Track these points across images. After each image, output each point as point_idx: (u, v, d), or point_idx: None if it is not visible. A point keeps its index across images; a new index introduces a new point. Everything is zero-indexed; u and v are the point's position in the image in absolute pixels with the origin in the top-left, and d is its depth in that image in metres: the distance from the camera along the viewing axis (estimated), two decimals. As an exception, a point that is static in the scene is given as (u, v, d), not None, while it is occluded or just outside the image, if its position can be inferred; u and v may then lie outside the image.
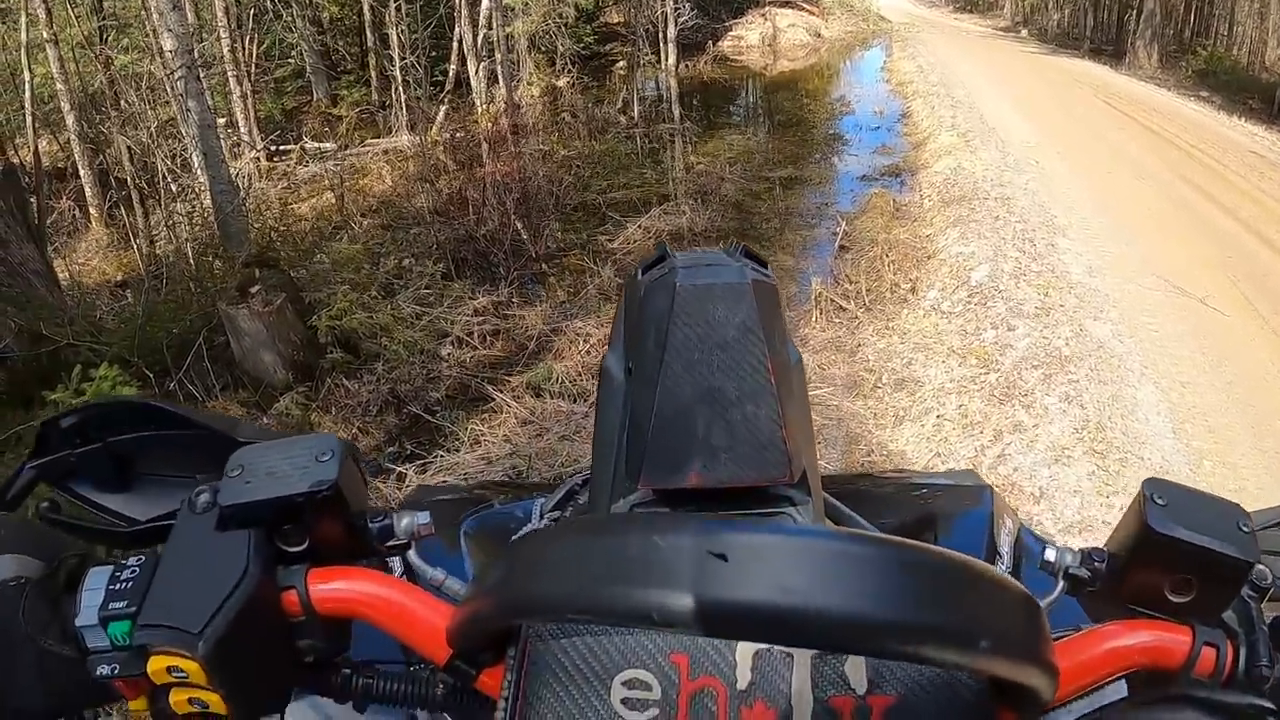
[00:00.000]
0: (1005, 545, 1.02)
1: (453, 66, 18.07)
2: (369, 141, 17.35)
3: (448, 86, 17.90)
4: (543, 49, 21.72)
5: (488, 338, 8.43)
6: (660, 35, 24.74)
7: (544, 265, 10.16)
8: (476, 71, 18.36)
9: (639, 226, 10.58)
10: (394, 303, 8.84)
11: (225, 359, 8.03)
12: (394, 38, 16.96)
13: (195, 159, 10.99)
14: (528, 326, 8.50)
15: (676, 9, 24.49)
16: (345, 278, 8.97)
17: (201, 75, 14.96)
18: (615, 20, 28.28)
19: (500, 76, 17.88)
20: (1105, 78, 23.48)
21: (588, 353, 7.80)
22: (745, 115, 19.60)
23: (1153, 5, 27.55)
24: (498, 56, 17.99)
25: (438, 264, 9.88)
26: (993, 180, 11.96)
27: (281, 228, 12.07)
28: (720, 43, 28.22)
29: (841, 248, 10.22)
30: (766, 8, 29.93)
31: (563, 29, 21.66)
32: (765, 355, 0.73)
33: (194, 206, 11.60)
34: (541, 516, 1.04)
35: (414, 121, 17.30)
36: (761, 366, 0.73)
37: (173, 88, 11.05)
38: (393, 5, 17.64)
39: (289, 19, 20.67)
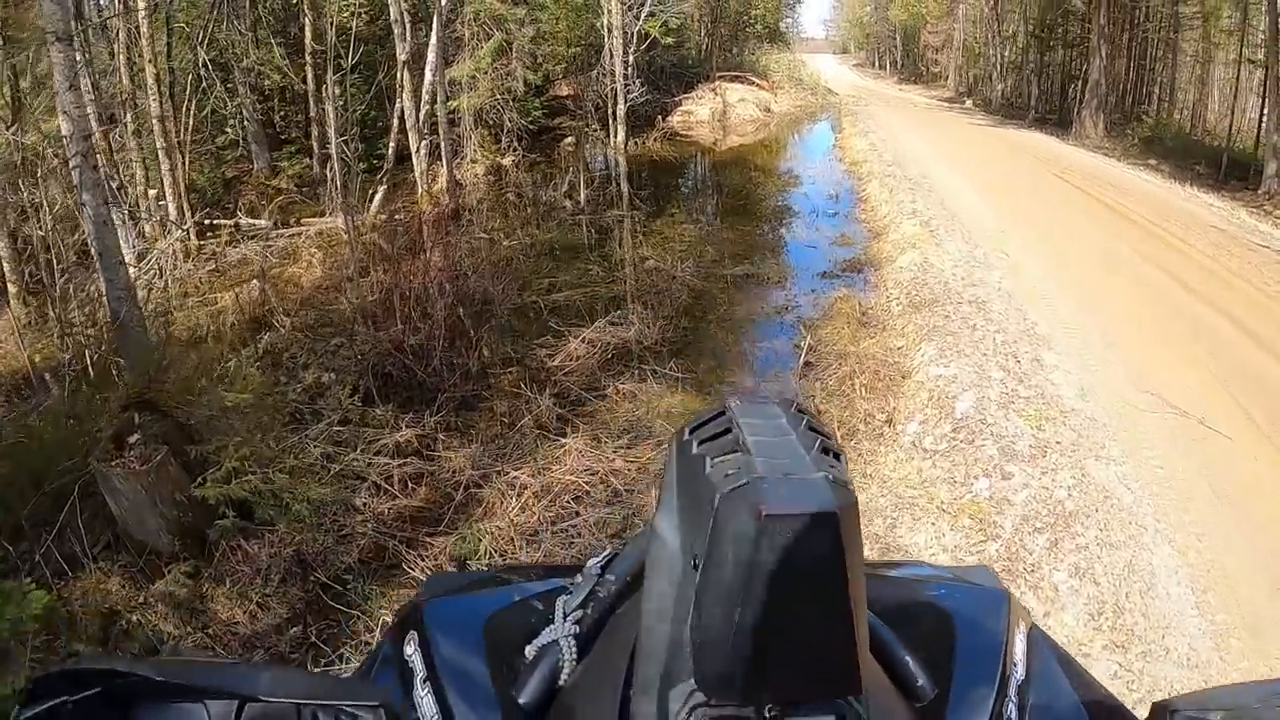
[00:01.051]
0: (1019, 652, 1.00)
1: (392, 142, 16.86)
2: (305, 220, 16.06)
3: (387, 164, 16.68)
4: (489, 123, 20.66)
5: (410, 483, 7.12)
6: (609, 111, 23.82)
7: (477, 386, 8.91)
8: (418, 149, 17.22)
9: (583, 340, 9.38)
10: (303, 440, 7.53)
11: (106, 515, 6.66)
12: (329, 111, 15.76)
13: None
14: (455, 470, 7.20)
15: (626, 85, 23.60)
16: (248, 411, 7.64)
17: (109, 158, 13.92)
18: (565, 94, 27.38)
19: (443, 154, 16.71)
20: (1055, 150, 22.93)
21: (522, 511, 6.54)
22: (696, 198, 18.57)
23: (1097, 76, 27.36)
24: (441, 133, 16.84)
25: (359, 381, 8.63)
26: (963, 278, 10.94)
27: (191, 333, 10.78)
28: (670, 118, 27.40)
29: (806, 364, 9.08)
30: (716, 82, 29.19)
31: (510, 104, 20.62)
32: (847, 582, 0.68)
33: (90, 313, 10.21)
34: (565, 617, 0.98)
35: (349, 202, 16.09)
36: (842, 593, 0.68)
37: (69, 176, 9.74)
38: (330, 77, 16.46)
39: (229, 85, 19.48)
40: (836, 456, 0.73)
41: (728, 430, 0.75)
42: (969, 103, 38.13)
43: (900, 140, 22.84)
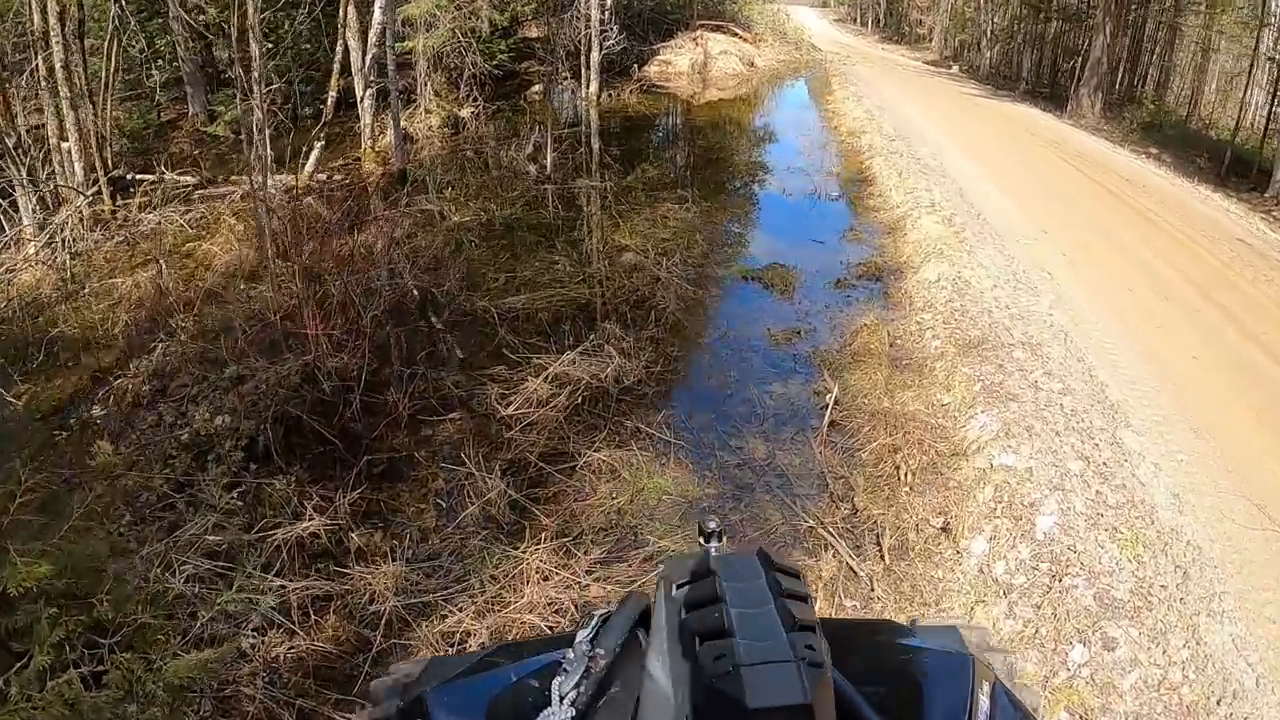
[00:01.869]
0: (983, 712, 1.04)
1: (333, 90, 14.35)
2: (235, 179, 13.55)
3: (326, 114, 14.20)
4: (449, 68, 18.12)
5: (314, 612, 5.03)
6: (582, 59, 21.34)
7: (408, 438, 6.79)
8: (363, 97, 14.74)
9: (546, 379, 7.22)
10: (174, 546, 5.42)
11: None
12: (253, 50, 13.24)
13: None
14: (374, 594, 5.12)
15: (603, 30, 21.10)
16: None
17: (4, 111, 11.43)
18: (534, 36, 24.74)
19: (392, 104, 14.26)
20: (1057, 130, 21.01)
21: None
22: (679, 167, 16.27)
23: (1099, 54, 25.44)
24: (389, 79, 14.35)
25: (260, 428, 6.53)
26: (1007, 306, 8.99)
27: (80, 334, 8.62)
28: (647, 67, 24.92)
29: (831, 423, 7.05)
30: (698, 32, 26.67)
31: (473, 46, 18.07)
32: None
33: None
34: (562, 699, 1.01)
35: (260, 167, 13.66)
36: None
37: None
38: (251, 8, 13.90)
39: (160, 19, 16.74)
40: (813, 629, 0.79)
41: (714, 597, 0.81)
42: (955, 69, 35.93)
43: (897, 109, 20.68)
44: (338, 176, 14.23)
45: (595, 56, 21.01)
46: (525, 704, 1.04)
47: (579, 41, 21.21)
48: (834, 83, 25.54)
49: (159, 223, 12.03)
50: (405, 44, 17.37)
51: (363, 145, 14.77)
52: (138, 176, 13.86)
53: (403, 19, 17.16)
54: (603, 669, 1.02)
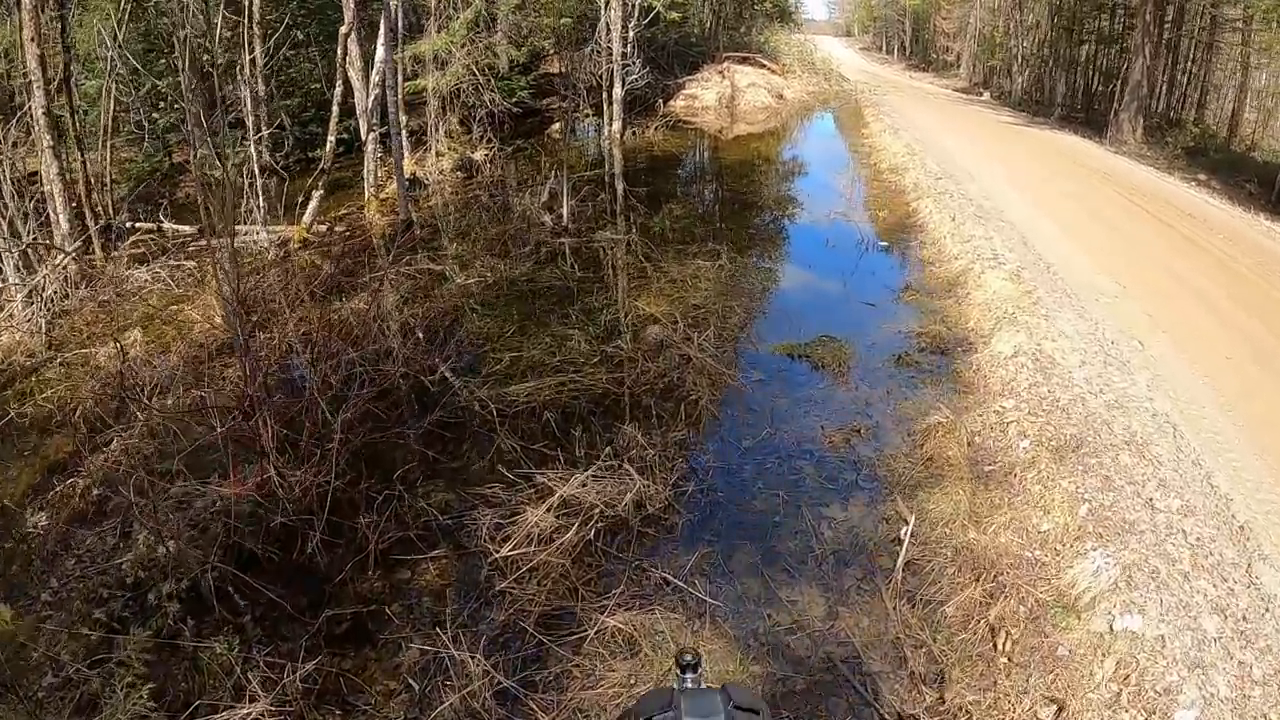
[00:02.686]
0: None
1: (331, 135, 13.05)
2: (237, 228, 12.29)
3: (324, 161, 12.90)
4: (467, 105, 16.82)
5: None
6: (604, 94, 20.02)
7: (378, 585, 5.38)
8: (366, 141, 13.44)
9: (550, 508, 5.76)
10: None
11: None
12: (245, 95, 11.96)
13: None
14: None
15: (625, 64, 19.78)
16: None
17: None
18: (555, 71, 23.51)
19: (393, 150, 12.95)
20: (1103, 159, 19.51)
21: None
22: (708, 214, 14.73)
23: (1139, 76, 23.95)
24: (391, 123, 13.05)
25: (203, 569, 5.17)
26: (1100, 389, 7.47)
27: (43, 417, 7.36)
28: (672, 102, 23.59)
29: (907, 564, 5.54)
30: (724, 64, 25.33)
31: (490, 83, 16.77)
32: None
33: None
34: None
35: (272, 211, 12.40)
36: None
37: None
38: (247, 55, 12.63)
39: (165, 61, 15.53)
40: None
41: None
42: (986, 95, 34.44)
43: (937, 141, 19.19)
44: (339, 228, 12.93)
45: (618, 91, 19.71)
46: None
47: (600, 76, 19.91)
48: (867, 114, 24.13)
49: (144, 282, 10.80)
50: (416, 83, 16.10)
51: (366, 193, 13.45)
52: (135, 225, 12.68)
53: (412, 55, 15.91)
54: None
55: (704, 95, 24.40)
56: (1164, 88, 26.37)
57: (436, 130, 15.81)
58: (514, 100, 18.82)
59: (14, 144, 11.39)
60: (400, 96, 15.13)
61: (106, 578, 5.54)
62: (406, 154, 15.53)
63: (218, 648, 4.85)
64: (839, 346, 8.70)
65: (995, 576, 5.35)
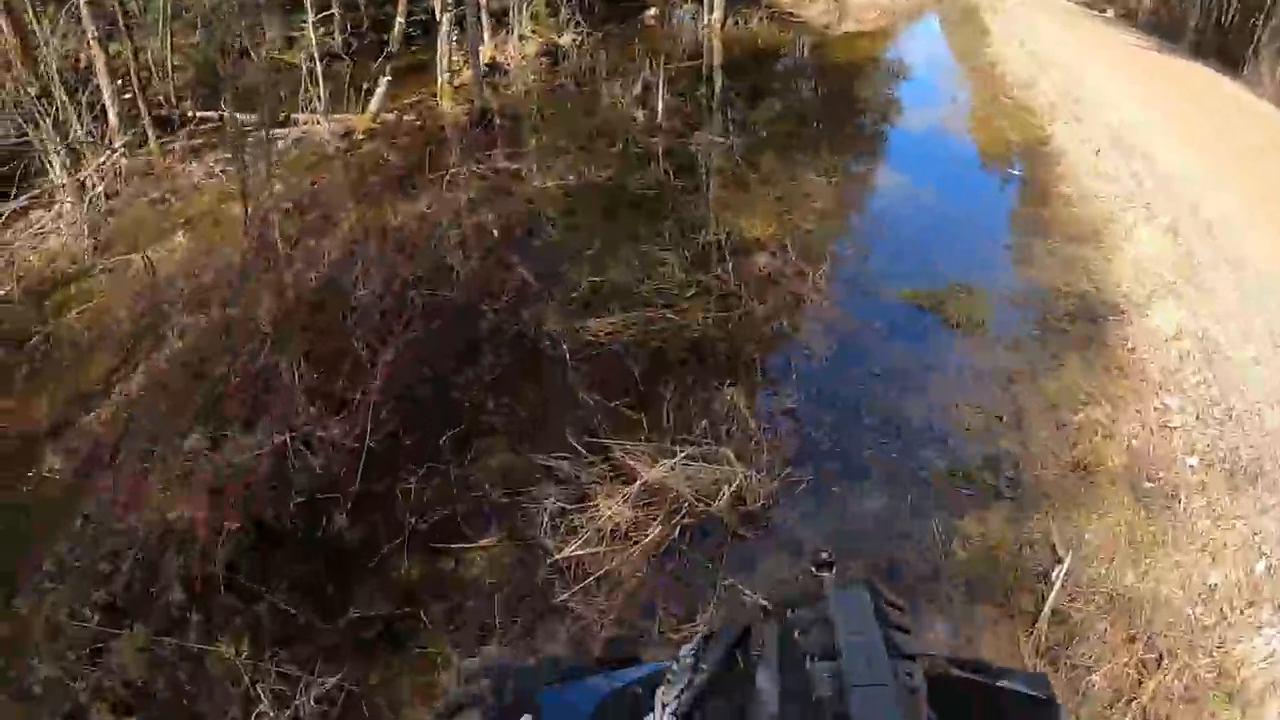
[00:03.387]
0: None
1: (400, 14, 11.54)
2: (298, 115, 11.01)
3: (393, 43, 11.46)
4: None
5: None
6: (707, -23, 18.05)
7: (417, 573, 4.27)
8: (440, 21, 11.90)
9: (627, 498, 4.47)
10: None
11: None
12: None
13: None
14: None
15: (730, -55, 17.76)
16: None
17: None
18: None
19: (469, 30, 11.41)
20: (1242, 100, 16.98)
21: None
22: (818, 121, 12.69)
23: None
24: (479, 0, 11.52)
25: (217, 539, 4.19)
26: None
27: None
28: (777, -8, 21.43)
29: (1054, 612, 4.27)
30: (835, -47, 22.95)
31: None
32: None
33: None
34: (664, 708, 0.95)
35: (340, 98, 11.05)
36: None
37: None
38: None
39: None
40: (913, 659, 0.79)
41: (825, 621, 0.81)
42: (1110, 11, 31.30)
43: (1066, 59, 16.94)
44: (409, 117, 11.52)
45: (721, -25, 17.73)
46: (630, 708, 1.01)
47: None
48: (987, 19, 21.72)
49: (199, 179, 9.65)
50: None
51: (439, 80, 11.97)
52: (199, 115, 11.41)
53: None
54: (704, 681, 0.96)
55: (811, -13, 22.18)
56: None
57: (520, 10, 14.13)
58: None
59: (63, 35, 10.26)
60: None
61: (116, 541, 4.51)
62: (486, 36, 13.99)
63: (223, 648, 3.81)
64: (973, 299, 7.20)
65: (1151, 639, 4.06)
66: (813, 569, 1.03)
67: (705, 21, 17.81)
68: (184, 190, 9.30)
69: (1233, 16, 26.22)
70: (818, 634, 0.81)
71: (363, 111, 11.03)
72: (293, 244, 6.76)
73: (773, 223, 8.09)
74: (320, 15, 15.36)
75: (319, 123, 10.63)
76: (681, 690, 0.96)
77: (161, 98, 11.45)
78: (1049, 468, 5.52)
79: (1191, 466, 5.59)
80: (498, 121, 11.40)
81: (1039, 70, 15.44)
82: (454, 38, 12.83)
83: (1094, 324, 7.18)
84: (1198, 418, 6.01)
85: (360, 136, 10.85)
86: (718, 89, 13.48)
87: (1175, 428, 5.97)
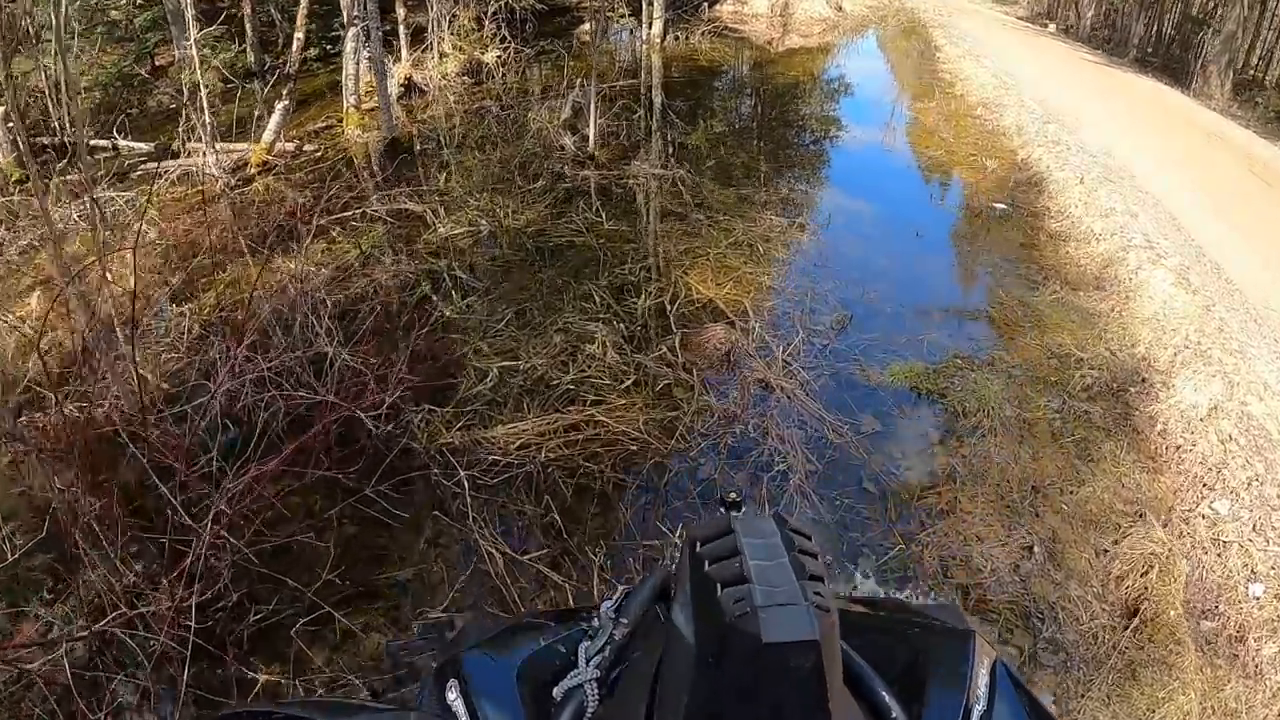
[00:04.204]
0: (983, 686, 1.02)
1: (299, 29, 9.82)
2: (191, 144, 9.23)
3: (288, 63, 9.73)
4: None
5: None
6: (645, -9, 16.55)
7: None
8: (346, 38, 10.20)
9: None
10: None
11: None
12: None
13: None
14: None
15: (669, -44, 16.29)
16: None
17: None
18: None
19: (372, 50, 9.71)
20: (1204, 117, 16.02)
21: None
22: (770, 147, 10.97)
23: (1234, 26, 20.46)
24: (370, 13, 9.83)
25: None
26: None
27: None
28: (719, 5, 19.99)
29: None
30: (779, -34, 21.63)
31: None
32: (827, 689, 0.75)
33: None
34: (588, 661, 1.01)
35: (247, 124, 9.35)
36: (823, 699, 0.75)
37: None
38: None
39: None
40: (821, 579, 0.79)
41: (733, 552, 0.80)
42: (1051, 27, 30.59)
43: (1024, 75, 15.72)
44: (310, 147, 9.80)
45: (661, -11, 16.23)
46: (553, 666, 1.04)
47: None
48: (936, 36, 20.55)
49: (72, 222, 7.86)
50: None
51: (345, 105, 10.26)
52: (91, 143, 9.65)
53: None
54: (625, 636, 1.02)
55: (755, 1, 20.76)
56: (1246, 42, 22.88)
57: (440, 25, 12.45)
58: (540, -2, 15.43)
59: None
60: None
61: None
62: (405, 52, 12.30)
63: None
64: (979, 375, 5.69)
65: None
66: (721, 509, 1.08)
67: (644, 37, 16.29)
68: (58, 235, 7.52)
69: (1173, 30, 25.61)
70: (727, 564, 0.79)
71: (251, 143, 9.31)
72: (132, 324, 5.07)
73: (728, 277, 6.51)
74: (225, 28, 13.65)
75: (205, 154, 8.88)
76: (604, 644, 1.02)
77: (56, 124, 9.69)
78: (1097, 616, 4.05)
79: (1256, 598, 4.19)
80: (417, 148, 9.76)
81: (1000, 88, 14.17)
82: (365, 55, 11.17)
83: (1117, 401, 5.75)
84: (1254, 529, 4.61)
85: (254, 170, 9.13)
86: (657, 111, 11.93)
87: (1230, 542, 4.56)
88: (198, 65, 9.07)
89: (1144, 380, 6.11)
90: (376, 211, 7.65)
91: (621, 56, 15.36)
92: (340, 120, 10.40)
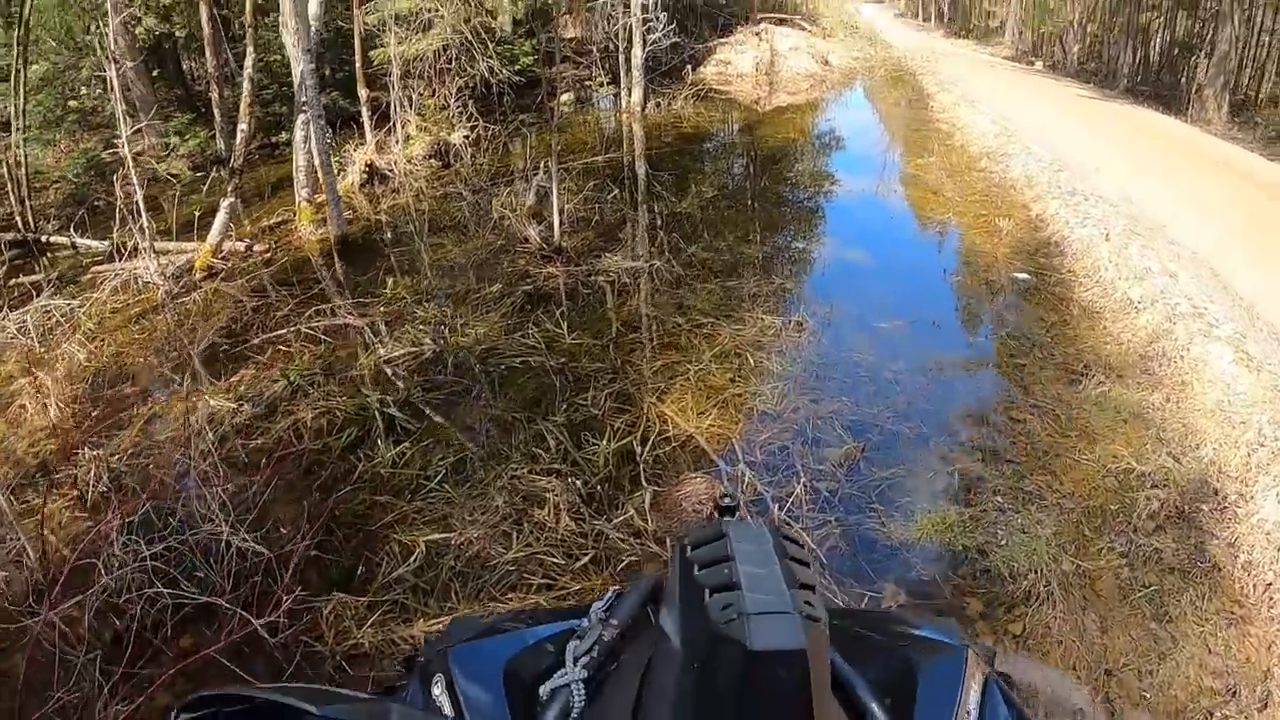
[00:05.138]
0: (973, 702, 1.00)
1: (243, 120, 8.82)
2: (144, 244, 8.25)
3: (234, 157, 8.74)
4: (454, 73, 12.51)
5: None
6: (623, 57, 15.66)
7: None
8: (296, 126, 9.23)
9: None
10: None
11: None
12: (110, 76, 7.68)
13: None
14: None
15: (647, 21, 15.37)
16: None
17: None
18: (571, 36, 19.10)
19: (313, 140, 8.69)
20: (1209, 145, 14.83)
21: None
22: (761, 223, 9.60)
23: (1227, 48, 19.70)
24: (311, 100, 8.84)
25: None
26: None
27: None
28: (702, 68, 19.10)
29: None
30: (760, 25, 20.77)
31: (485, 47, 12.48)
32: (812, 699, 0.73)
33: None
34: (575, 661, 0.98)
35: (171, 231, 8.39)
36: (807, 707, 0.73)
37: None
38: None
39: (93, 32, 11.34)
40: (812, 588, 0.78)
41: (724, 557, 0.79)
42: (1038, 64, 29.73)
43: (1023, 118, 14.71)
44: (261, 247, 8.78)
45: (637, 54, 15.29)
46: (540, 665, 1.02)
47: (617, 36, 15.52)
48: (927, 83, 19.63)
49: (11, 335, 6.92)
50: (389, 49, 11.75)
51: (296, 200, 9.24)
52: (49, 240, 8.89)
53: (380, 19, 11.64)
54: (614, 637, 1.00)
55: (738, 61, 19.79)
56: (1237, 61, 21.93)
57: (402, 105, 11.49)
58: (517, 69, 14.53)
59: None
60: (360, 68, 10.93)
61: None
62: (370, 135, 11.34)
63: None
64: (1026, 519, 4.42)
65: None
66: (716, 512, 1.10)
67: (625, 107, 15.35)
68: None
69: (1159, 57, 24.69)
70: (717, 569, 0.78)
71: (198, 245, 8.29)
72: (45, 472, 3.98)
73: (712, 402, 5.29)
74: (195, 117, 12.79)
75: (145, 258, 7.87)
76: (593, 644, 0.99)
77: (19, 218, 8.84)
78: None
79: None
80: (371, 245, 8.72)
81: (1002, 136, 13.09)
82: (323, 143, 10.22)
83: (1190, 527, 4.52)
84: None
85: (200, 275, 8.11)
86: (641, 185, 10.87)
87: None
88: (130, 162, 8.06)
89: (1216, 493, 4.88)
90: (315, 328, 6.55)
91: (605, 127, 14.39)
92: (294, 217, 9.39)
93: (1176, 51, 24.13)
